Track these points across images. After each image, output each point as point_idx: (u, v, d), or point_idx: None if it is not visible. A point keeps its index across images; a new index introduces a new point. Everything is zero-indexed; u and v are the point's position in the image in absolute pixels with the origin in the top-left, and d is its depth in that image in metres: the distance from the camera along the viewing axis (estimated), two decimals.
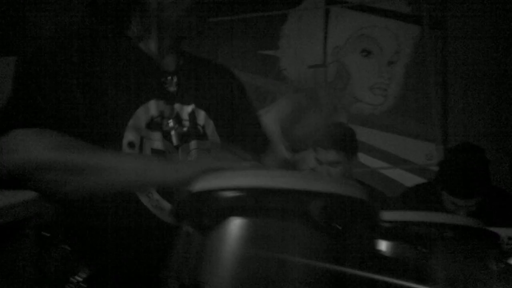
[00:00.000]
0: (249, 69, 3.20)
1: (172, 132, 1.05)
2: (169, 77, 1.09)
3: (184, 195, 0.63)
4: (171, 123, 1.05)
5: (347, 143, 2.31)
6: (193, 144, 1.06)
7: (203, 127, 1.10)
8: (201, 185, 0.62)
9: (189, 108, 1.09)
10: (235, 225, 0.59)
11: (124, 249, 0.99)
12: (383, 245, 0.82)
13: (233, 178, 0.60)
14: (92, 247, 1.00)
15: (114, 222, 0.98)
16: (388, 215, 0.83)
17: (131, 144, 0.99)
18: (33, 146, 0.93)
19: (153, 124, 1.03)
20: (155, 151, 1.02)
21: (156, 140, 1.02)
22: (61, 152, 0.92)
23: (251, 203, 0.59)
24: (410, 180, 2.99)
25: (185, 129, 1.06)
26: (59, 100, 0.97)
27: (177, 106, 1.08)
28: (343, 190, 0.60)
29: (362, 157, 3.03)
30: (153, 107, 1.03)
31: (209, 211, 0.60)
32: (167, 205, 1.00)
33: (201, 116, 1.10)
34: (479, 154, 2.03)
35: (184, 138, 1.06)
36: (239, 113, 1.20)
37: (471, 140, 2.80)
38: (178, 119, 1.07)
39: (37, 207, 0.65)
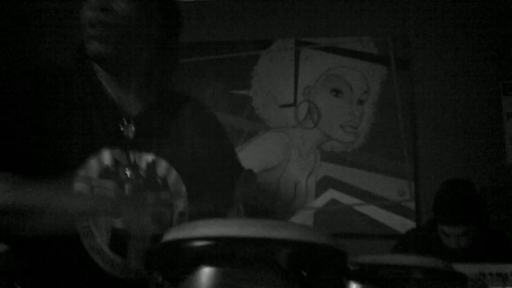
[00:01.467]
0: (222, 109, 3.23)
1: (126, 185, 1.02)
2: (126, 123, 1.05)
3: (154, 245, 0.64)
4: (128, 172, 1.02)
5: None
6: (149, 196, 1.03)
7: (164, 178, 1.06)
8: (170, 235, 0.63)
9: (148, 157, 1.05)
10: (205, 275, 0.60)
11: None
12: None
13: (202, 228, 0.61)
14: None
15: (63, 278, 0.96)
16: (360, 258, 0.84)
17: None
18: None
19: (107, 173, 1.00)
20: None
21: (109, 189, 1.00)
22: (8, 195, 0.90)
23: (220, 252, 0.60)
24: (383, 216, 3.03)
25: (140, 180, 1.03)
26: (6, 146, 0.95)
27: (134, 154, 1.04)
28: (310, 237, 0.61)
29: (335, 194, 3.07)
30: (106, 157, 1.01)
31: (178, 261, 0.60)
32: (118, 260, 0.98)
33: (162, 167, 1.06)
34: (467, 185, 2.19)
35: (139, 189, 1.02)
36: (211, 159, 1.15)
37: (442, 175, 2.87)
38: (135, 168, 1.03)
39: (6, 260, 0.64)
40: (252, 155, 3.17)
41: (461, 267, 1.18)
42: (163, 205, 1.04)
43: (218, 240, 0.59)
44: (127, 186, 1.02)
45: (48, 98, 1.01)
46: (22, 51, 3.25)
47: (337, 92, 3.20)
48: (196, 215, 1.08)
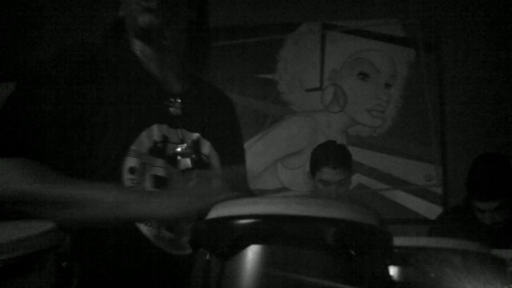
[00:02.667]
0: (248, 93, 3.23)
1: (179, 158, 1.02)
2: (173, 100, 1.06)
3: (201, 222, 0.64)
4: (181, 147, 1.03)
5: (349, 160, 2.31)
6: (195, 172, 1.04)
7: (208, 157, 1.08)
8: (218, 212, 0.63)
9: (194, 136, 1.06)
10: (253, 252, 0.60)
11: (126, 280, 0.97)
12: (392, 270, 0.83)
13: (249, 206, 0.61)
14: (100, 278, 0.97)
15: (115, 253, 0.97)
16: (398, 241, 0.84)
17: (131, 170, 0.97)
18: (13, 178, 0.91)
19: (156, 150, 1.00)
20: (156, 178, 1.00)
21: (159, 167, 1.00)
22: (40, 185, 0.90)
23: (268, 230, 0.60)
24: (410, 201, 3.00)
25: (194, 155, 1.04)
26: (55, 124, 0.95)
27: (182, 131, 1.05)
28: (357, 216, 0.61)
29: (362, 179, 3.05)
30: (156, 132, 1.01)
31: (226, 238, 0.61)
32: (168, 235, 0.98)
33: (206, 147, 1.08)
34: (500, 159, 2.13)
35: (188, 166, 1.03)
36: (236, 145, 1.19)
37: (470, 160, 2.83)
38: (183, 145, 1.04)
39: (54, 238, 0.65)
40: (277, 140, 3.17)
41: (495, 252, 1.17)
42: (204, 181, 1.05)
43: (266, 218, 0.59)
44: (180, 159, 1.02)
45: (92, 74, 1.00)
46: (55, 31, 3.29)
47: (364, 75, 3.17)
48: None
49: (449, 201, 2.95)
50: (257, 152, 3.10)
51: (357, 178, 3.02)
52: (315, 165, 2.30)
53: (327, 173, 2.24)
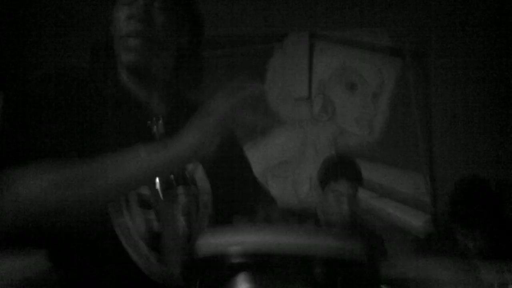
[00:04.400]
0: None
1: (157, 179, 1.01)
2: (155, 119, 1.06)
3: (190, 259, 0.64)
4: None
5: (361, 175, 2.29)
6: (180, 189, 1.04)
7: (191, 172, 1.08)
8: (205, 250, 0.64)
9: None
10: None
11: None
12: None
13: (236, 237, 0.62)
14: None
15: (104, 282, 0.95)
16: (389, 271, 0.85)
17: None
18: (32, 184, 0.88)
19: None
20: (141, 196, 1.00)
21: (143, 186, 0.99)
22: (69, 169, 0.88)
23: (256, 266, 0.60)
24: (399, 209, 3.03)
25: (172, 175, 1.04)
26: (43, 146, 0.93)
27: None
28: (346, 253, 0.61)
29: None
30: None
31: (214, 275, 0.61)
32: (154, 256, 0.97)
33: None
34: (482, 185, 2.10)
35: (170, 184, 1.03)
36: (229, 157, 1.15)
37: (457, 170, 2.86)
38: None
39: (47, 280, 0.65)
40: (267, 149, 3.18)
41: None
42: (191, 198, 1.05)
43: (254, 256, 0.60)
44: (157, 181, 1.02)
45: (79, 97, 1.01)
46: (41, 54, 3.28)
47: (351, 85, 3.19)
48: (220, 208, 1.10)
49: (437, 209, 2.98)
50: None
51: None
52: (329, 176, 2.24)
53: (343, 184, 2.20)
